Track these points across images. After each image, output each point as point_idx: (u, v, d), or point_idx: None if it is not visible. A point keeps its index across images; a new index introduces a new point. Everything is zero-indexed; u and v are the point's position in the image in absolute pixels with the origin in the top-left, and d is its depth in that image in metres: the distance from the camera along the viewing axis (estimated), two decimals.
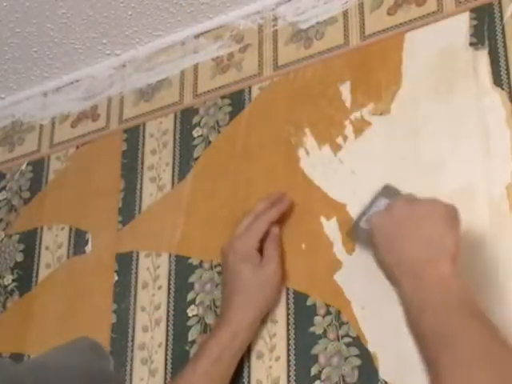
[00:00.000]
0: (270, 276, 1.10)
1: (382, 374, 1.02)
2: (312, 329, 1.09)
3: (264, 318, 1.12)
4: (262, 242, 1.11)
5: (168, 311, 1.21)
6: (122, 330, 1.24)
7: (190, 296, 1.20)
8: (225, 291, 1.12)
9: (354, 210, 1.10)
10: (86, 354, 0.96)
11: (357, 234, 1.05)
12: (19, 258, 1.40)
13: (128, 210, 1.31)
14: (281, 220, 1.14)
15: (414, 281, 0.88)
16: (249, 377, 1.11)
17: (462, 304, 0.85)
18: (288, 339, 1.10)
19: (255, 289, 1.09)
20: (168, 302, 1.22)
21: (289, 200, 1.14)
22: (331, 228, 1.12)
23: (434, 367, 0.80)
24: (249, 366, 1.12)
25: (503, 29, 1.09)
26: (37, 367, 0.86)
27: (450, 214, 0.93)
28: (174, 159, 1.30)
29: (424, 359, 0.83)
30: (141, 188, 1.32)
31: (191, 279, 1.21)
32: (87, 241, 1.34)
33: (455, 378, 0.78)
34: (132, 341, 1.23)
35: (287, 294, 1.12)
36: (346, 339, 1.06)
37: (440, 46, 1.12)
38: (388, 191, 1.03)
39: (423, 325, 0.85)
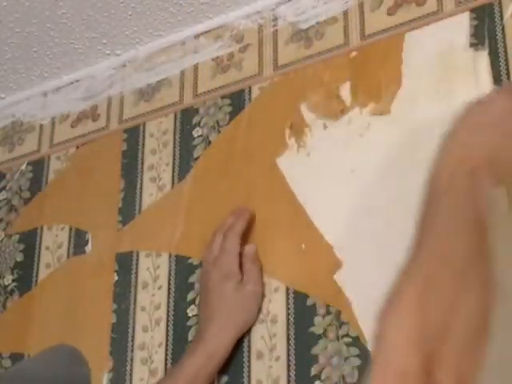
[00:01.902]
0: (248, 295, 1.11)
1: None
2: (312, 329, 1.09)
3: (264, 318, 1.12)
4: (240, 259, 1.13)
5: (168, 311, 1.21)
6: (121, 330, 1.24)
7: (189, 296, 1.20)
8: (205, 308, 1.12)
9: (353, 210, 1.10)
10: (63, 362, 0.96)
11: None
12: (19, 257, 1.40)
13: (128, 210, 1.31)
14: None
15: (445, 165, 0.79)
16: (249, 377, 1.11)
17: (462, 206, 0.74)
18: (288, 339, 1.10)
19: (235, 306, 1.10)
20: (168, 302, 1.22)
21: (249, 211, 1.16)
22: (331, 227, 1.12)
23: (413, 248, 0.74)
24: (249, 366, 1.12)
25: (503, 29, 1.09)
26: (14, 378, 0.86)
27: None
28: (174, 159, 1.30)
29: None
30: (141, 188, 1.32)
31: (191, 279, 1.21)
32: (87, 241, 1.34)
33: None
34: (132, 341, 1.23)
35: (287, 294, 1.12)
36: (346, 339, 1.06)
37: (440, 46, 1.12)
38: None
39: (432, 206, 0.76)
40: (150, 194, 1.30)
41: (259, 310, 1.12)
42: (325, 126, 1.18)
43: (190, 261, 1.22)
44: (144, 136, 1.35)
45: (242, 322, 1.10)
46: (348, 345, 1.05)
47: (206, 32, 1.35)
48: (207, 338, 1.08)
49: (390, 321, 0.70)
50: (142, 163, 1.33)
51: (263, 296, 1.13)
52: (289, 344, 1.10)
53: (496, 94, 0.84)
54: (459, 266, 0.70)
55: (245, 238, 1.16)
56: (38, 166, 1.45)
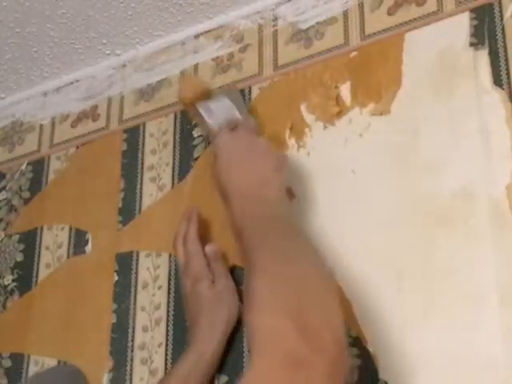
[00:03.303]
0: (222, 291, 1.12)
1: (382, 374, 1.02)
2: None
3: None
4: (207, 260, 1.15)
5: (168, 311, 1.21)
6: (122, 330, 1.24)
7: None
8: (189, 315, 1.14)
9: (353, 209, 1.10)
10: (66, 382, 0.97)
11: (201, 124, 1.18)
12: (19, 258, 1.40)
13: (128, 210, 1.31)
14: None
15: (242, 200, 1.00)
16: None
17: (274, 215, 0.97)
18: None
19: (214, 304, 1.11)
20: (168, 302, 1.22)
21: (195, 210, 1.19)
22: (331, 227, 1.12)
23: (248, 263, 0.89)
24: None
25: (503, 29, 1.09)
26: None
27: (280, 161, 1.07)
28: (174, 159, 1.30)
29: (244, 261, 0.93)
30: (141, 188, 1.32)
31: None
32: (87, 241, 1.34)
33: (258, 263, 0.87)
34: (132, 341, 1.23)
35: None
36: (346, 339, 1.05)
37: (440, 46, 1.12)
38: (233, 95, 1.14)
39: (243, 232, 0.95)
40: (149, 194, 1.30)
41: (236, 302, 1.12)
42: (325, 126, 1.18)
43: None
44: (144, 136, 1.35)
45: (225, 318, 1.10)
46: (348, 345, 1.05)
47: (206, 32, 1.35)
48: (195, 341, 1.10)
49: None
50: (142, 163, 1.33)
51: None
52: None
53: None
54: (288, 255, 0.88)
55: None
56: (38, 166, 1.45)
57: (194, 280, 1.13)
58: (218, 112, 1.16)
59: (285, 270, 0.85)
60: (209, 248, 1.15)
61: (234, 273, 1.15)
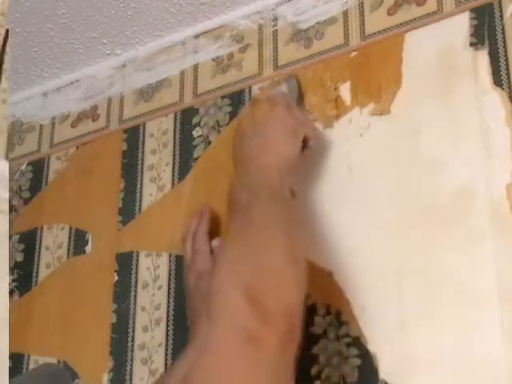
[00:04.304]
0: None
1: (382, 373, 1.02)
2: (312, 329, 1.09)
3: None
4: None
5: (168, 311, 1.21)
6: (122, 330, 1.24)
7: None
8: (190, 312, 1.13)
9: (353, 210, 1.10)
10: (47, 382, 0.96)
11: None
12: (19, 258, 1.40)
13: (128, 209, 1.31)
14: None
15: (244, 170, 1.00)
16: None
17: (271, 189, 0.96)
18: None
19: None
20: (168, 302, 1.22)
21: (208, 208, 1.19)
22: (331, 227, 1.12)
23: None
24: None
25: (503, 29, 1.09)
26: None
27: (297, 126, 1.05)
28: (174, 159, 1.30)
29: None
30: (141, 188, 1.32)
31: None
32: (87, 241, 1.34)
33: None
34: (132, 341, 1.23)
35: None
36: (346, 339, 1.06)
37: (440, 46, 1.12)
38: (291, 84, 1.16)
39: (231, 199, 0.98)
40: (149, 194, 1.30)
41: None
42: (325, 126, 1.18)
43: None
44: (144, 136, 1.35)
45: None
46: (348, 345, 1.05)
47: (206, 32, 1.35)
48: (195, 339, 1.09)
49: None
50: (142, 163, 1.33)
51: None
52: None
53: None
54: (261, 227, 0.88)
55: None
56: (38, 166, 1.45)
57: (197, 277, 1.12)
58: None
59: (251, 239, 0.85)
60: (216, 242, 1.15)
61: None
